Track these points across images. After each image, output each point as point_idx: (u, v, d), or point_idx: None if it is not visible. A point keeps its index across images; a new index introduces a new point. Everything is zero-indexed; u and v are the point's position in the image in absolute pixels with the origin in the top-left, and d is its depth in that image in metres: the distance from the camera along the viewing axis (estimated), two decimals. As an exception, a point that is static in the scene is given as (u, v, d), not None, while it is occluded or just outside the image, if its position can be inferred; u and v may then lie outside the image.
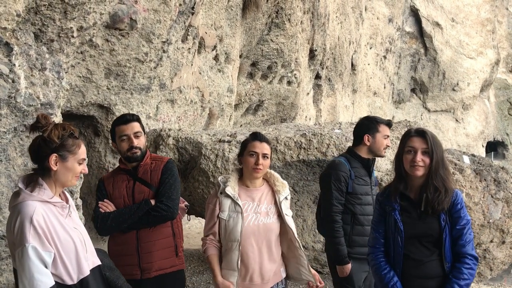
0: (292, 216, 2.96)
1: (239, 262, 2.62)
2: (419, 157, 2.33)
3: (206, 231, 2.76)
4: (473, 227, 4.17)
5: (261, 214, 2.72)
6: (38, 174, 2.02)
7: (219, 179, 2.81)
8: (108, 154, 6.31)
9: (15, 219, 1.91)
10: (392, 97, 19.65)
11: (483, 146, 21.58)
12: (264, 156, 2.72)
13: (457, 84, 19.59)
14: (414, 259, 2.35)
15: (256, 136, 2.80)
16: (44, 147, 2.00)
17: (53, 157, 1.99)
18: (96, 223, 2.70)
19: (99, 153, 6.33)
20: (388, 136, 3.29)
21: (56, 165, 2.00)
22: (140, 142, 2.77)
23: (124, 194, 2.76)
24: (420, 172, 2.34)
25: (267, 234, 2.71)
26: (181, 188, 3.30)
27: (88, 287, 1.99)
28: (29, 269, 1.84)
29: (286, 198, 2.83)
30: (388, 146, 3.31)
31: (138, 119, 2.84)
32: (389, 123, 3.35)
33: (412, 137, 2.39)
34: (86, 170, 2.11)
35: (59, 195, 2.09)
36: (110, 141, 6.20)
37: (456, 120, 20.31)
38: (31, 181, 2.01)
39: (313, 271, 2.78)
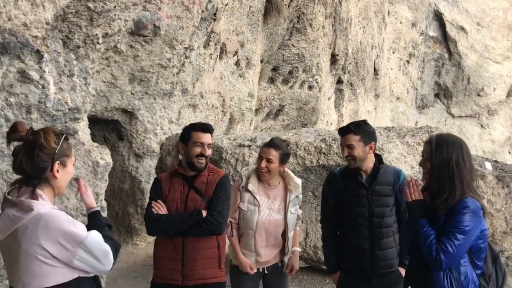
0: (302, 214, 3.51)
1: (255, 246, 3.11)
2: None
3: (229, 215, 3.08)
4: (495, 234, 4.12)
5: (273, 210, 3.15)
6: (34, 184, 1.84)
7: (242, 172, 3.24)
8: (131, 158, 6.44)
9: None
10: (416, 102, 19.41)
11: (509, 152, 21.10)
12: (269, 160, 3.08)
13: (482, 89, 19.22)
14: None
15: (270, 143, 3.18)
16: (43, 156, 1.83)
17: (56, 166, 1.86)
18: (147, 223, 2.80)
19: (123, 157, 6.47)
20: (343, 145, 3.01)
21: (58, 173, 1.87)
22: (209, 153, 2.88)
23: (178, 199, 2.83)
24: None
25: (275, 228, 3.15)
26: None
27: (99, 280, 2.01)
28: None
29: (297, 196, 3.24)
30: (345, 155, 3.00)
31: (212, 132, 2.98)
32: (338, 131, 3.11)
33: None
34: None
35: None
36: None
37: (481, 126, 19.91)
38: (24, 193, 1.83)
39: (294, 263, 3.24)
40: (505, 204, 4.06)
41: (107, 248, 1.85)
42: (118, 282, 5.08)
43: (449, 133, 2.59)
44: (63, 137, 1.91)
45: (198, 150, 2.83)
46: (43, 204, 1.79)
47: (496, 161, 4.60)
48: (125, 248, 6.20)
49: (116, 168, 6.54)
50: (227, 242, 3.11)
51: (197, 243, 2.79)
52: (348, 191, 3.03)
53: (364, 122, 3.05)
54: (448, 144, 2.37)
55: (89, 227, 1.90)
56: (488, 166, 4.30)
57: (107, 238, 1.91)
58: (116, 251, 1.93)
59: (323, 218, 3.21)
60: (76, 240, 1.77)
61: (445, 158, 2.33)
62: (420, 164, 2.50)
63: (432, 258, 2.26)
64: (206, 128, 2.92)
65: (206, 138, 2.87)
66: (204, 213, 2.75)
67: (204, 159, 2.85)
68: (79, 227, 1.79)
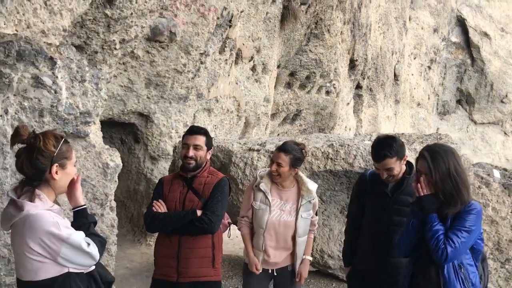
0: (318, 222, 3.50)
1: (264, 245, 3.19)
2: None
3: (243, 213, 3.33)
4: (501, 242, 4.10)
5: (284, 212, 3.22)
6: (34, 185, 1.95)
7: (258, 172, 3.35)
8: (146, 160, 6.60)
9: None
10: (437, 109, 19.16)
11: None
12: (279, 164, 3.15)
13: (506, 95, 18.82)
14: None
15: (281, 147, 3.23)
16: (42, 159, 1.94)
17: (54, 168, 1.96)
18: (146, 220, 2.94)
19: (138, 159, 6.64)
20: (381, 169, 2.96)
21: (57, 174, 1.97)
22: (198, 154, 2.93)
23: (177, 199, 2.96)
24: None
25: (285, 230, 3.21)
26: None
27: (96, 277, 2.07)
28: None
29: (309, 201, 3.27)
30: (385, 177, 2.98)
31: (205, 133, 3.01)
32: (373, 158, 3.03)
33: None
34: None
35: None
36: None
37: (505, 133, 19.49)
38: (25, 193, 1.95)
39: (303, 271, 3.27)
40: (511, 212, 4.04)
41: (90, 249, 1.94)
42: (129, 281, 5.22)
43: (436, 143, 2.63)
44: (63, 140, 2.00)
45: (184, 151, 2.96)
46: (36, 206, 1.90)
47: (505, 169, 4.57)
48: (139, 248, 6.35)
49: (132, 170, 6.71)
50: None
51: (191, 242, 2.90)
52: (373, 195, 3.08)
53: (393, 139, 2.97)
54: (442, 154, 2.41)
55: (75, 226, 1.99)
56: (497, 174, 4.28)
57: (92, 236, 2.02)
58: (102, 246, 2.04)
59: (348, 213, 3.36)
60: (59, 240, 1.87)
61: (444, 169, 2.37)
62: (418, 179, 2.47)
63: (438, 251, 2.31)
64: (192, 130, 3.02)
65: (192, 139, 2.95)
66: (199, 212, 2.86)
67: (191, 159, 2.92)
68: (62, 229, 1.89)
